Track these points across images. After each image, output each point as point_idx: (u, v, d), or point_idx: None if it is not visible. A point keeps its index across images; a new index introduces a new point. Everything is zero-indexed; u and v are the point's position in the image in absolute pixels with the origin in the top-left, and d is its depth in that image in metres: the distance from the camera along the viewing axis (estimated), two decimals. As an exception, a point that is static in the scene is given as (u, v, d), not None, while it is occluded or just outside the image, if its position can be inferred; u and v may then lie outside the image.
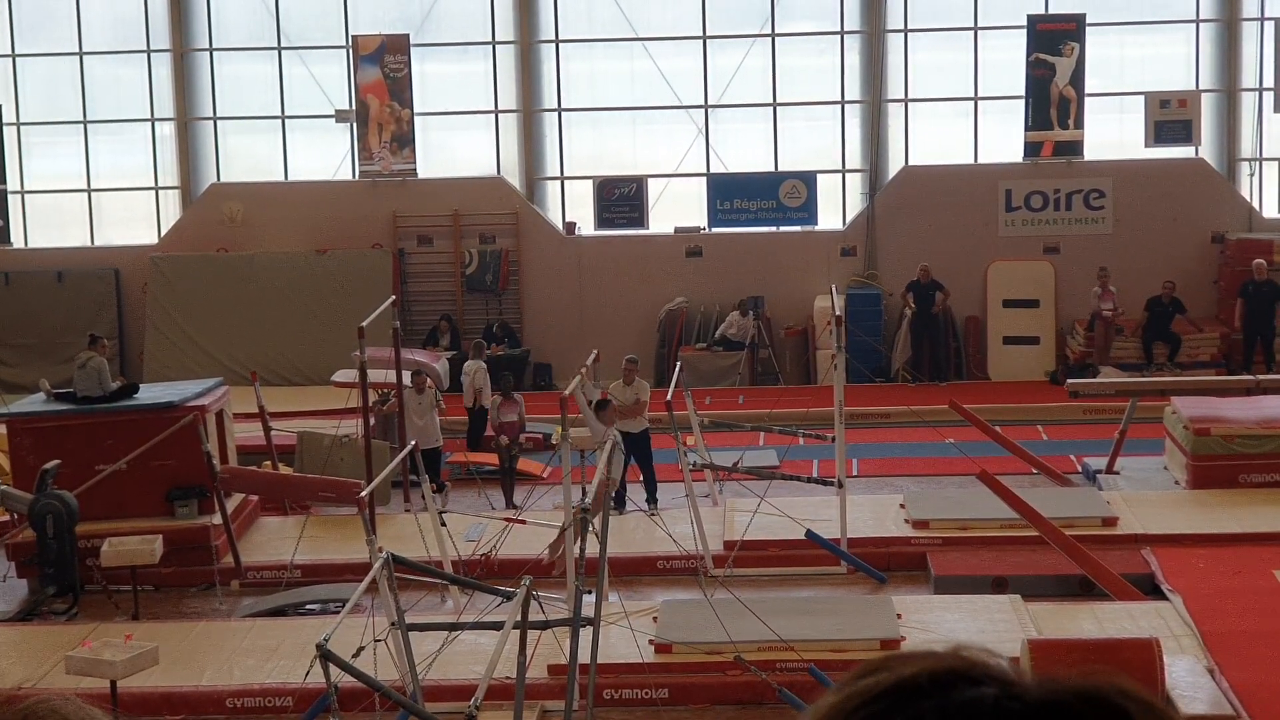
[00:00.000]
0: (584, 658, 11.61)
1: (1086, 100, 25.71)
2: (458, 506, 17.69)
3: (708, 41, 26.29)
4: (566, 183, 26.91)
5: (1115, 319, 24.50)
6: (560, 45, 26.50)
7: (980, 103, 26.33)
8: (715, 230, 26.22)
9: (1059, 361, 25.20)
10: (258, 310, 25.85)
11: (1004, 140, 26.11)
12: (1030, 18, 25.60)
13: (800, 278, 25.75)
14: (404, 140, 26.29)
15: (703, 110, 26.42)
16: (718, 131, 26.56)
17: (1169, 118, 25.62)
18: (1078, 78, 25.55)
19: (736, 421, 20.56)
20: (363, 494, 14.27)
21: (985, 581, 15.08)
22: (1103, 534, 16.20)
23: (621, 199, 26.25)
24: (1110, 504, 17.17)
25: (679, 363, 20.91)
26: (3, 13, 26.96)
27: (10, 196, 27.03)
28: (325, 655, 10.00)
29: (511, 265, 26.41)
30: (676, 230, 26.29)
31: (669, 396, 17.39)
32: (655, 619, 13.76)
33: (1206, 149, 26.01)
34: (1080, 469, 19.52)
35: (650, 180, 26.33)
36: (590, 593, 11.98)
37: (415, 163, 26.35)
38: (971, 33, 26.09)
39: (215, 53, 26.87)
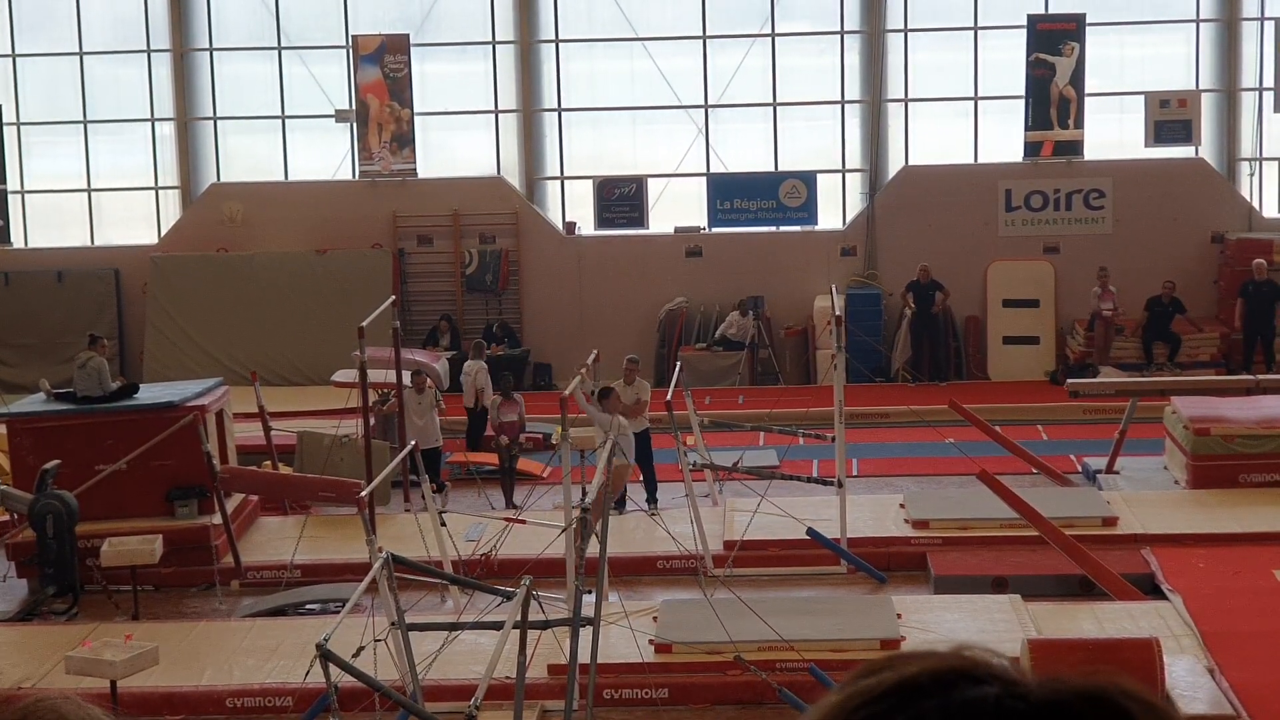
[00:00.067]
0: (584, 658, 11.61)
1: (1086, 100, 25.71)
2: (458, 506, 17.69)
3: (707, 41, 26.30)
4: (566, 183, 26.91)
5: (1115, 319, 24.50)
6: (560, 45, 26.50)
7: (980, 103, 26.33)
8: (715, 230, 26.22)
9: (1059, 361, 25.20)
10: (258, 310, 25.84)
11: (1004, 140, 26.11)
12: (1030, 18, 25.61)
13: (800, 278, 25.75)
14: (404, 140, 26.29)
15: (703, 110, 26.42)
16: (718, 131, 26.56)
17: (1169, 117, 25.63)
18: (1078, 77, 25.55)
19: (736, 421, 20.56)
20: (363, 494, 14.28)
21: (985, 581, 15.08)
22: (1103, 534, 16.20)
23: (621, 199, 26.25)
24: (1110, 504, 17.17)
25: (679, 363, 20.91)
26: (3, 13, 26.96)
27: (10, 196, 27.03)
28: (325, 655, 10.00)
29: (511, 265, 26.41)
30: (676, 230, 26.29)
31: (669, 396, 17.39)
32: (655, 619, 13.76)
33: (1206, 149, 26.01)
34: (1080, 469, 19.52)
35: (650, 180, 26.33)
36: (590, 593, 11.98)
37: (415, 163, 26.35)
38: (971, 33, 26.09)
39: (215, 53, 26.87)
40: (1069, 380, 21.43)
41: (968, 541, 16.21)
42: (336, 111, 26.36)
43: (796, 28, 26.40)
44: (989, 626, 13.51)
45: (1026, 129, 25.80)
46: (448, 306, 26.26)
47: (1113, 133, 26.15)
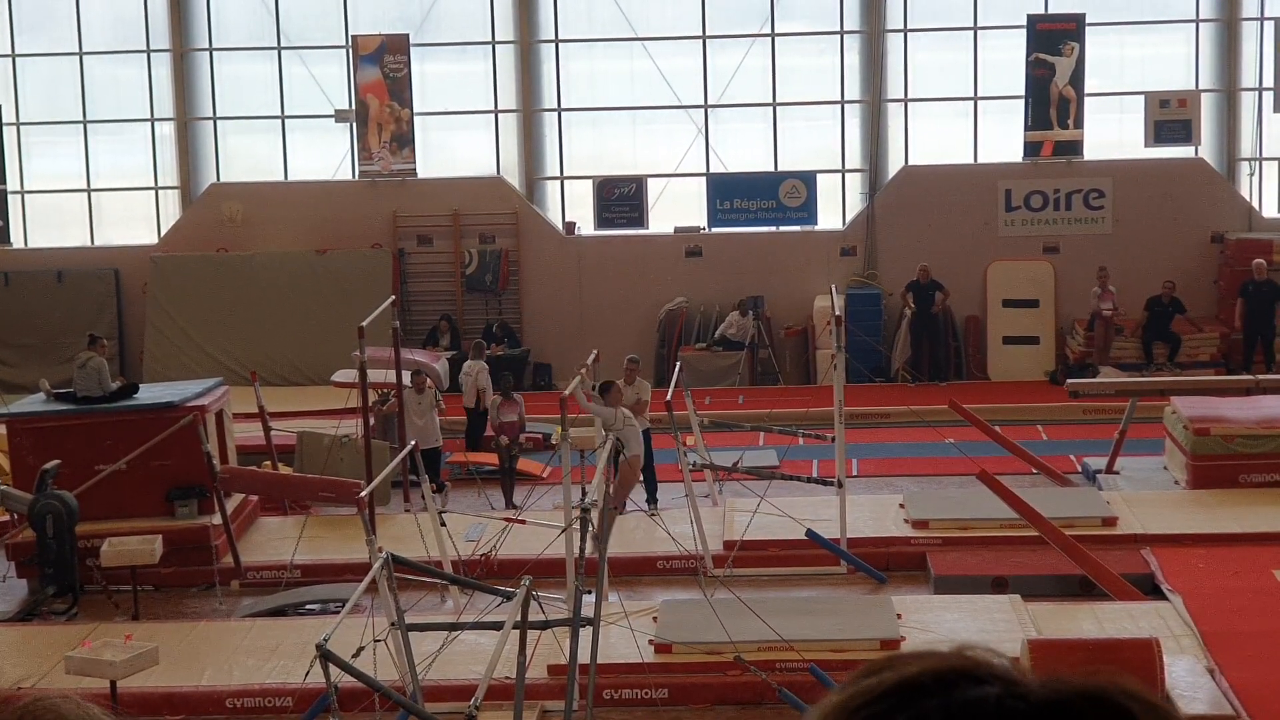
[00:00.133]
0: (584, 658, 11.61)
1: (1086, 100, 25.71)
2: (458, 506, 17.69)
3: (707, 41, 26.29)
4: (566, 183, 26.91)
5: (1115, 319, 24.50)
6: (560, 45, 26.50)
7: (980, 103, 26.32)
8: (715, 230, 26.22)
9: (1059, 361, 25.20)
10: (258, 310, 25.84)
11: (1004, 140, 26.11)
12: (1030, 18, 25.60)
13: (800, 278, 25.75)
14: (404, 140, 26.29)
15: (703, 110, 26.42)
16: (717, 131, 26.56)
17: (1169, 117, 25.63)
18: (1077, 77, 25.55)
19: (736, 421, 20.55)
20: (362, 494, 14.27)
21: (985, 581, 15.08)
22: (1103, 534, 16.20)
23: (621, 199, 26.25)
24: (1110, 504, 17.17)
25: (679, 363, 20.90)
26: (3, 13, 26.95)
27: (10, 196, 27.03)
28: (325, 655, 10.00)
29: (511, 265, 26.41)
30: (676, 230, 26.28)
31: (669, 396, 17.39)
32: (655, 619, 13.76)
33: (1206, 149, 26.01)
34: (1080, 469, 19.52)
35: (650, 180, 26.33)
36: (590, 593, 11.98)
37: (415, 163, 26.35)
38: (971, 33, 26.09)
39: (215, 53, 26.87)
40: (1069, 380, 21.43)
41: (968, 541, 16.21)
42: (336, 111, 26.36)
43: (796, 28, 26.40)
44: (989, 626, 13.51)
45: (1026, 129, 25.80)
46: (448, 306, 26.26)
47: (1113, 133, 26.15)
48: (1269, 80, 25.74)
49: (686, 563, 15.73)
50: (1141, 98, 25.79)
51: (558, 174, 26.93)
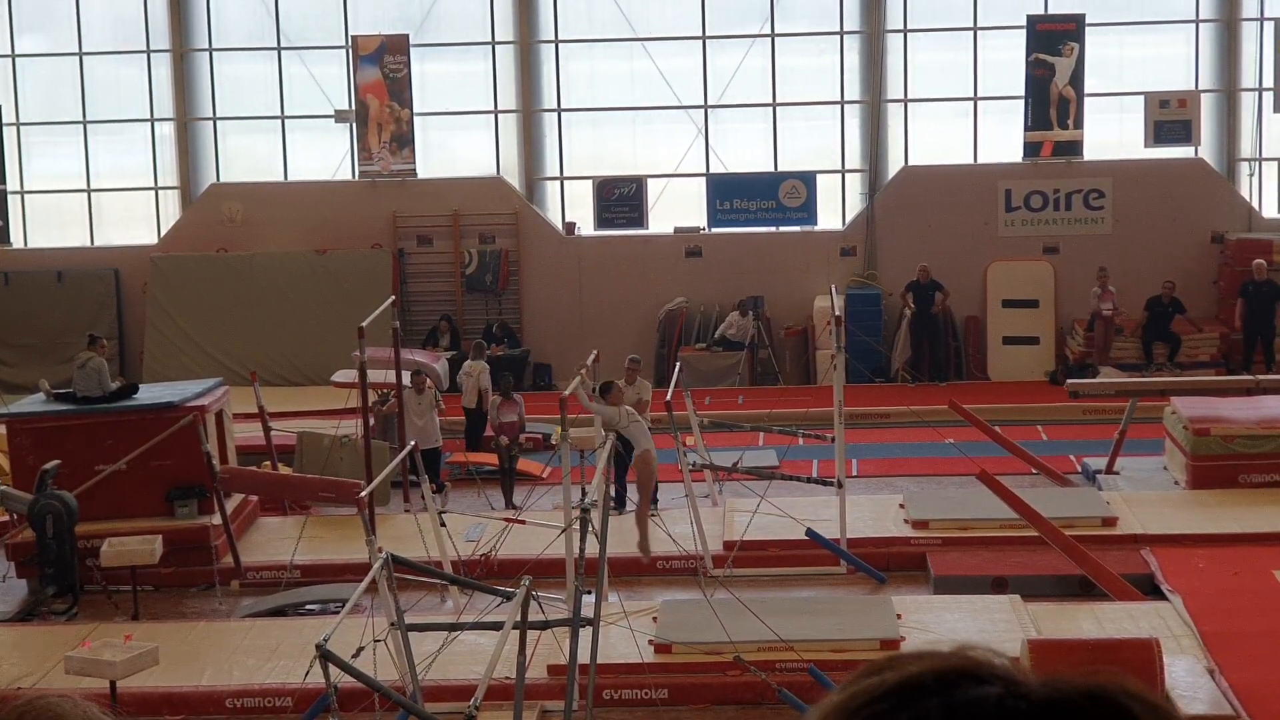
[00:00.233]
0: (584, 658, 11.62)
1: (1086, 100, 25.71)
2: (457, 506, 17.69)
3: (707, 41, 26.29)
4: (566, 183, 26.91)
5: (1115, 319, 24.49)
6: (560, 45, 26.50)
7: (980, 103, 26.33)
8: (715, 230, 26.22)
9: (1059, 361, 25.20)
10: (258, 310, 25.84)
11: (1004, 140, 26.11)
12: (1030, 18, 25.61)
13: (800, 278, 25.75)
14: (404, 140, 26.29)
15: (702, 110, 26.42)
16: (717, 131, 26.56)
17: (1169, 118, 25.63)
18: (1077, 78, 25.55)
19: (736, 421, 20.55)
20: (362, 494, 14.28)
21: (985, 581, 15.08)
22: (1102, 534, 16.20)
23: (621, 199, 26.25)
24: (1110, 504, 17.17)
25: (679, 363, 20.91)
26: (3, 13, 26.96)
27: (10, 196, 27.03)
28: (325, 655, 10.00)
29: (511, 265, 26.41)
30: (676, 230, 26.29)
31: (669, 396, 17.39)
32: (655, 619, 13.76)
33: (1206, 149, 26.02)
34: (1080, 469, 19.52)
35: (650, 180, 26.33)
36: (590, 593, 11.98)
37: (415, 163, 26.35)
38: (971, 33, 26.09)
39: (215, 53, 26.87)
40: (1069, 380, 21.43)
41: (968, 542, 16.21)
42: (336, 112, 26.36)
43: (796, 28, 26.40)
44: (989, 627, 13.51)
45: (1026, 129, 25.80)
46: (448, 307, 26.26)
47: (1113, 133, 26.15)
48: (1269, 80, 25.75)
49: (686, 563, 15.73)
50: (1141, 98, 25.79)
51: (558, 174, 26.93)
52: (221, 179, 27.06)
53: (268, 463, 18.93)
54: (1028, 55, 25.58)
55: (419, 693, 11.47)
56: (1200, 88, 25.99)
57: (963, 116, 26.48)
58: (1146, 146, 25.83)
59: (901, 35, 26.14)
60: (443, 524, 14.67)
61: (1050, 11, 25.80)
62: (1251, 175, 26.19)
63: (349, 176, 26.72)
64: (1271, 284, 24.25)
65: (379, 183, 26.42)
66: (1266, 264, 24.39)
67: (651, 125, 27.01)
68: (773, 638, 12.61)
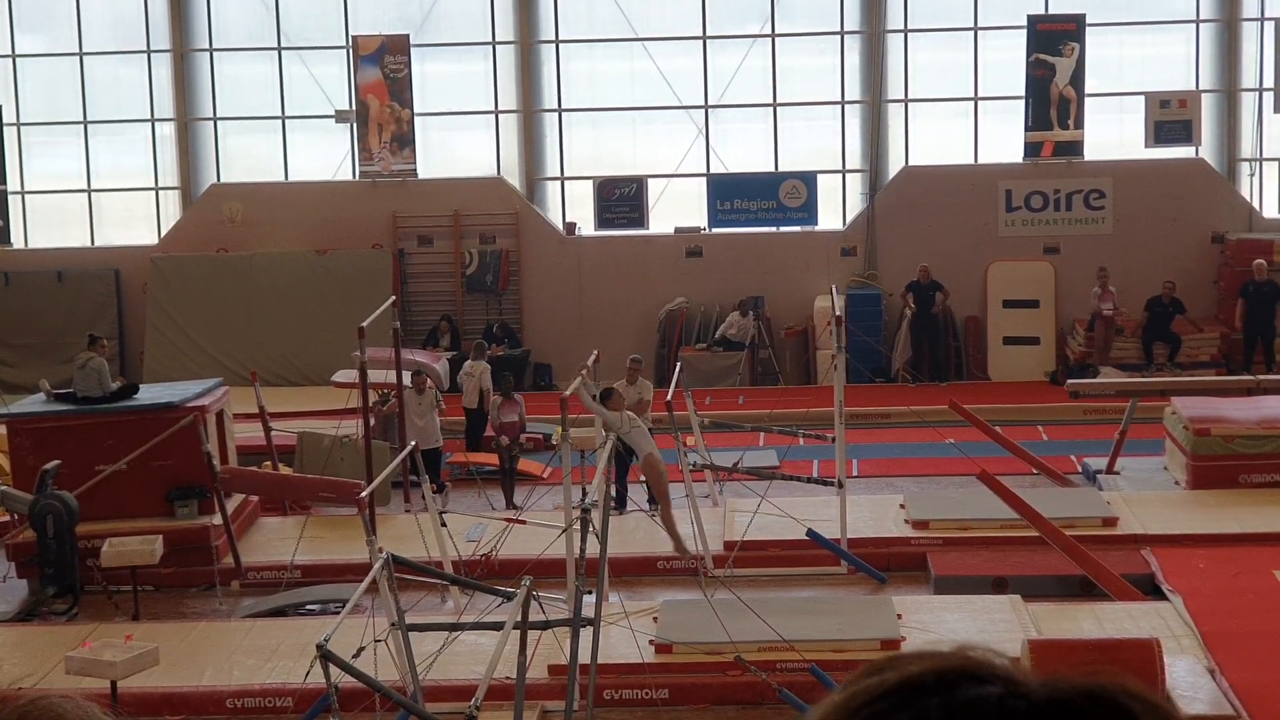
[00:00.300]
0: (584, 658, 11.62)
1: (1086, 100, 25.71)
2: (458, 507, 17.69)
3: (708, 41, 26.29)
4: (566, 183, 26.91)
5: (1115, 319, 24.49)
6: (560, 45, 26.50)
7: (980, 103, 26.33)
8: (715, 230, 26.22)
9: (1059, 361, 25.19)
10: (258, 310, 25.84)
11: (1004, 140, 26.11)
12: (1030, 18, 25.60)
13: (800, 278, 25.75)
14: (404, 140, 26.29)
15: (703, 110, 26.42)
16: (718, 131, 26.56)
17: (1169, 118, 25.63)
18: (1078, 78, 25.55)
19: (736, 422, 20.54)
20: (363, 494, 14.27)
21: (985, 581, 15.08)
22: (1103, 534, 16.20)
23: (621, 199, 26.25)
24: (1110, 504, 17.17)
25: (679, 363, 20.92)
26: (3, 13, 26.96)
27: (10, 196, 27.03)
28: (325, 655, 10.00)
29: (511, 265, 26.41)
30: (676, 230, 26.29)
31: (669, 397, 17.39)
32: (655, 619, 13.76)
33: (1206, 149, 26.02)
34: (1080, 469, 19.52)
35: (650, 180, 26.33)
36: (590, 593, 11.98)
37: (415, 163, 26.35)
38: (971, 33, 26.09)
39: (215, 53, 26.87)
40: (1069, 380, 21.43)
41: (968, 542, 16.21)
42: (336, 112, 26.36)
43: (796, 28, 26.40)
44: (989, 627, 13.51)
45: (1026, 129, 25.80)
46: (448, 307, 26.26)
47: (1113, 133, 26.15)
48: (1269, 80, 25.75)
49: (687, 563, 15.73)
50: (1141, 98, 25.79)
51: (558, 174, 26.93)
52: (222, 179, 27.06)
53: (268, 463, 18.93)
54: (1028, 55, 25.58)
55: (419, 693, 11.47)
56: (1200, 88, 25.99)
57: (963, 116, 26.48)
58: (1147, 146, 25.83)
59: (902, 35, 26.15)
60: (443, 524, 14.67)
61: (1050, 11, 25.80)
62: (1252, 175, 26.19)
63: (349, 176, 26.72)
64: (1272, 284, 24.25)
65: (379, 183, 26.42)
66: (1267, 264, 24.38)
67: (652, 125, 27.01)
68: (773, 638, 12.61)
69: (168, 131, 27.13)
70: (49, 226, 27.39)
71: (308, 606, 15.22)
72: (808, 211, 26.10)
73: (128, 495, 16.51)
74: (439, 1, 26.50)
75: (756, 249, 25.99)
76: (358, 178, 26.59)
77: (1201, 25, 25.98)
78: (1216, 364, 24.34)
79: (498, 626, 10.96)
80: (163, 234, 26.93)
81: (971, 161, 26.28)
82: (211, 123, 27.10)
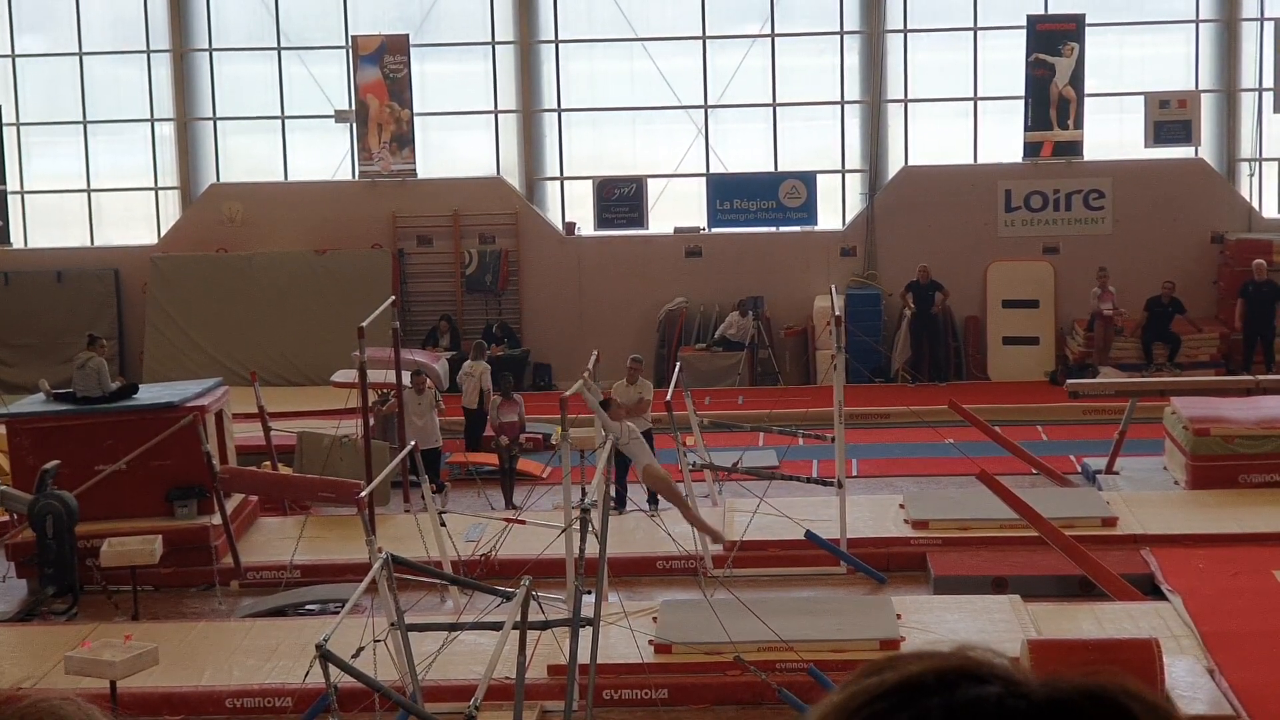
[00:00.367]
0: (584, 658, 11.61)
1: (1086, 100, 25.71)
2: (457, 507, 17.69)
3: (707, 41, 26.29)
4: (566, 183, 26.91)
5: (1115, 319, 24.49)
6: (560, 45, 26.50)
7: (980, 103, 26.33)
8: (715, 230, 26.22)
9: (1059, 361, 25.20)
10: (258, 310, 25.84)
11: (1004, 140, 26.11)
12: (1030, 18, 25.60)
13: (800, 278, 25.75)
14: (404, 140, 26.29)
15: (702, 110, 26.42)
16: (717, 131, 26.56)
17: (1169, 118, 25.63)
18: (1077, 78, 25.55)
19: (736, 422, 20.55)
20: (362, 494, 14.27)
21: (985, 582, 15.08)
22: (1102, 534, 16.20)
23: (621, 199, 26.25)
24: (1110, 504, 17.17)
25: (679, 363, 20.91)
26: (3, 13, 26.96)
27: (10, 196, 27.03)
28: (325, 655, 10.00)
29: (511, 265, 26.41)
30: (676, 230, 26.29)
31: (669, 397, 17.39)
32: (655, 619, 13.76)
33: (1206, 149, 26.01)
34: (1080, 469, 19.52)
35: (650, 180, 26.33)
36: (590, 593, 11.98)
37: (415, 163, 26.35)
38: (971, 33, 26.09)
39: (215, 53, 26.87)
40: (1069, 380, 21.43)
41: (968, 542, 16.21)
42: (336, 112, 26.36)
43: (796, 28, 26.40)
44: (989, 627, 13.51)
45: (1026, 129, 25.80)
46: (448, 307, 26.26)
47: (1112, 133, 26.15)
48: (1269, 80, 25.75)
49: (686, 563, 15.73)
50: (1141, 98, 25.79)
51: (558, 174, 26.93)
52: (221, 179, 27.06)
53: (268, 463, 18.93)
54: (1028, 55, 25.58)
55: (419, 693, 11.47)
56: (1200, 88, 25.99)
57: (963, 116, 26.48)
58: (1146, 147, 25.83)
59: (901, 35, 26.15)
60: (443, 524, 14.67)
61: (1050, 11, 25.80)
62: (1251, 175, 26.19)
63: (349, 176, 26.72)
64: (1271, 284, 24.25)
65: (379, 183, 26.42)
66: (1266, 264, 24.38)
67: (651, 125, 27.01)
68: (773, 638, 12.61)
69: (167, 131, 27.13)
70: (49, 226, 27.39)
71: (307, 606, 15.23)
72: (807, 211, 26.10)
73: (127, 495, 16.51)
74: (439, 1, 26.50)
75: (756, 249, 25.99)
76: (357, 178, 26.59)
77: (1201, 25, 25.98)
78: (1216, 364, 24.34)
79: (497, 626, 10.96)
80: (162, 234, 26.93)
81: (971, 161, 26.28)
82: (211, 123, 27.10)
